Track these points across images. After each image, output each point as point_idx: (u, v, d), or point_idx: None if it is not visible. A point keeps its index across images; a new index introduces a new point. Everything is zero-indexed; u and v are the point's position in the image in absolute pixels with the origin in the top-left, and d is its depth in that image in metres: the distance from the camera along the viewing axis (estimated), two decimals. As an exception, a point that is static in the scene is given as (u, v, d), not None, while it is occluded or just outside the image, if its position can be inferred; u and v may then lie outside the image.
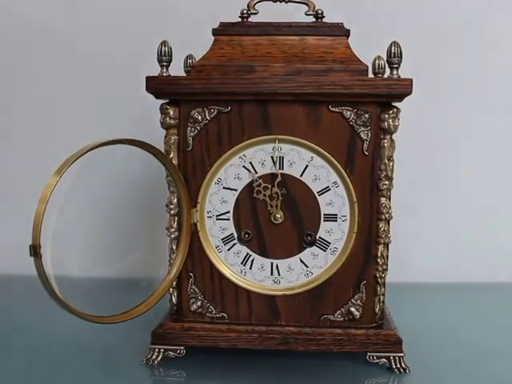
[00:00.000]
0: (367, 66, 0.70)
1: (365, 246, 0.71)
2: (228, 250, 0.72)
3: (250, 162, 0.71)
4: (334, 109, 0.69)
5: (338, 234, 0.71)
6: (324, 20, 0.73)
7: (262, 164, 0.71)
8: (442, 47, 1.04)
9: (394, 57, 0.69)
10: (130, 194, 1.08)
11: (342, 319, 0.72)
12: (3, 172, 1.11)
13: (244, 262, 0.72)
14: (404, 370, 0.71)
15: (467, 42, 1.05)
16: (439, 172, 1.08)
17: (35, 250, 0.58)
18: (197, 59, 0.73)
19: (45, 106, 1.09)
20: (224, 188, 0.72)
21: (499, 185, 1.08)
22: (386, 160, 0.70)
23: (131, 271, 1.03)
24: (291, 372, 0.71)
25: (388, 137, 0.70)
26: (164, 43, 0.71)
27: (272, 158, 0.70)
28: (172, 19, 1.03)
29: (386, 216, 0.71)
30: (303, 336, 0.71)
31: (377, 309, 0.73)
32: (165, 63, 0.71)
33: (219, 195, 0.72)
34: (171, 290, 0.74)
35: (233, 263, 0.73)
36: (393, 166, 0.70)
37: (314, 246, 0.72)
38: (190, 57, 0.78)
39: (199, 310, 0.73)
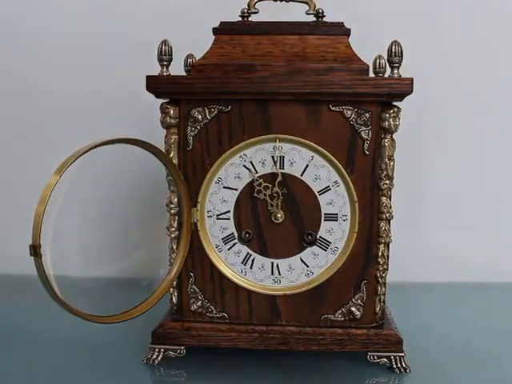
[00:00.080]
0: (368, 66, 0.70)
1: (365, 246, 0.71)
2: (228, 249, 0.72)
3: (251, 162, 0.71)
4: (334, 108, 0.69)
5: (338, 233, 0.71)
6: (324, 19, 0.73)
7: (263, 163, 0.71)
8: (442, 47, 1.04)
9: (395, 56, 0.69)
10: (130, 194, 1.08)
11: (342, 319, 0.72)
12: (3, 172, 1.11)
13: (244, 262, 0.72)
14: (404, 369, 0.71)
15: (467, 41, 1.04)
16: (439, 172, 1.08)
17: (35, 250, 0.58)
18: (197, 58, 0.73)
19: (45, 105, 1.09)
20: (224, 187, 0.71)
21: (499, 185, 1.08)
22: (386, 159, 0.70)
23: (131, 271, 1.03)
24: (292, 372, 0.71)
25: (388, 136, 0.70)
26: (164, 42, 0.71)
27: (272, 157, 0.70)
28: (172, 18, 1.03)
29: (387, 215, 0.71)
30: (304, 336, 0.71)
31: (377, 308, 0.72)
32: (165, 62, 0.71)
33: (219, 195, 0.72)
34: (171, 289, 0.73)
35: (233, 263, 0.72)
36: (393, 165, 0.70)
37: (315, 246, 0.72)
38: (190, 56, 0.77)
39: (199, 310, 0.73)
